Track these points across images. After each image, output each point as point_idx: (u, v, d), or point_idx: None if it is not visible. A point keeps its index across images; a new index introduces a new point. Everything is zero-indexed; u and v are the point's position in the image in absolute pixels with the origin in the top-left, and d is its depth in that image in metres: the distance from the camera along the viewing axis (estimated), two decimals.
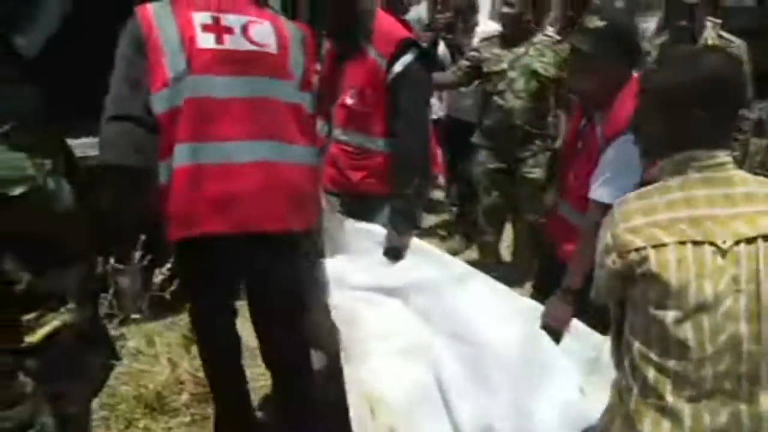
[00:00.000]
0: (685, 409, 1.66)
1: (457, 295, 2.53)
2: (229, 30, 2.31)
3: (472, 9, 4.89)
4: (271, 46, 2.35)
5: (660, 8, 4.79)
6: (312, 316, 2.54)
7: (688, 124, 1.66)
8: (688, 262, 1.63)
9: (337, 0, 2.76)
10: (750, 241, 1.63)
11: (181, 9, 2.31)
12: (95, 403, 2.65)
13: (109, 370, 1.98)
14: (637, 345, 1.71)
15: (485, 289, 2.55)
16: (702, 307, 1.63)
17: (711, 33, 3.77)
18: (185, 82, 2.25)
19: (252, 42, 2.32)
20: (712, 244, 1.63)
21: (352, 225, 2.74)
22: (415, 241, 2.69)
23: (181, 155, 2.25)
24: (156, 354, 3.18)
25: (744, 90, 1.73)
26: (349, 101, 2.81)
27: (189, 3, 2.33)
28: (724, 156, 1.68)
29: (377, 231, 2.69)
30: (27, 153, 1.52)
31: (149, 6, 2.33)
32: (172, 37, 2.26)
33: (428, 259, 2.65)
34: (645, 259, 1.65)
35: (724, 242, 1.63)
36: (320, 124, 2.90)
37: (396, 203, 2.77)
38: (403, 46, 2.71)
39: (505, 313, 2.47)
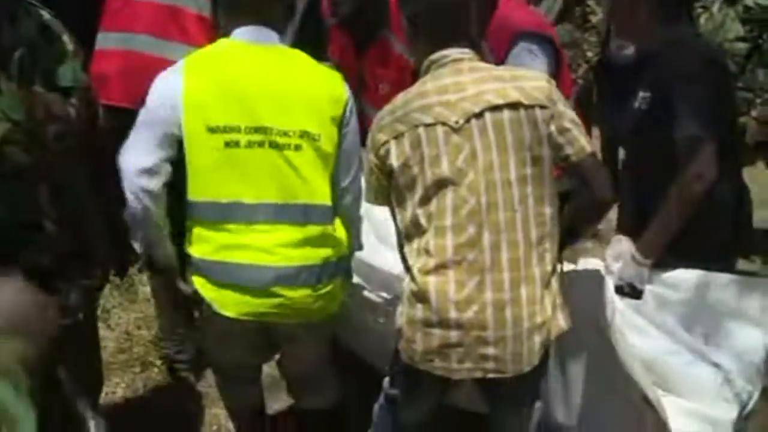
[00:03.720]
0: (431, 285, 1.72)
1: None
2: None
3: None
4: None
5: None
6: None
7: (417, 36, 1.85)
8: (421, 144, 1.74)
9: None
10: (478, 116, 1.73)
11: None
12: (113, 347, 2.80)
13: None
14: (401, 238, 1.83)
15: None
16: (443, 183, 1.73)
17: None
18: None
19: None
20: (444, 124, 1.73)
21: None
22: None
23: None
24: None
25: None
26: (382, 92, 2.65)
27: None
28: (456, 53, 1.79)
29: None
30: None
31: None
32: None
33: None
34: (389, 151, 1.78)
35: (457, 122, 1.73)
36: None
37: None
38: None
39: None
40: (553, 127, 1.74)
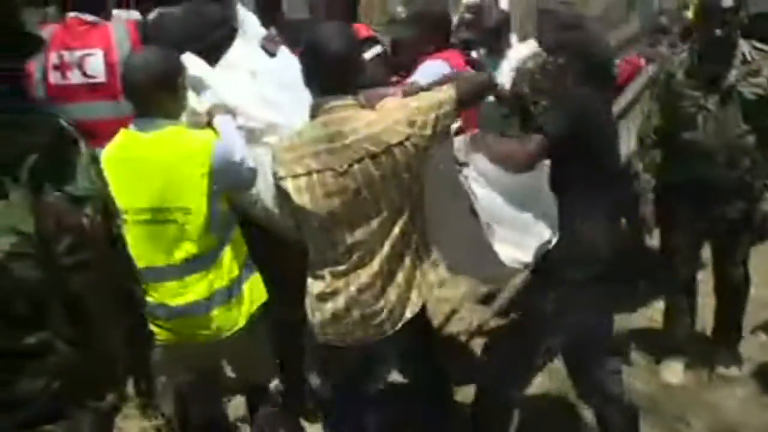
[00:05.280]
0: (326, 282, 2.31)
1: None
2: (69, 67, 3.04)
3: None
4: (100, 76, 3.04)
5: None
6: None
7: (308, 78, 2.27)
8: (315, 186, 2.22)
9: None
10: (359, 161, 2.18)
11: (49, 47, 2.99)
12: None
13: None
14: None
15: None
16: (334, 215, 2.22)
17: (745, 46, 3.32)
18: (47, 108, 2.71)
19: (85, 75, 3.04)
20: (331, 169, 2.20)
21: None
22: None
23: None
24: None
25: (339, 57, 2.23)
26: None
27: (54, 42, 3.03)
28: (338, 102, 2.22)
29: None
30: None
31: None
32: (38, 69, 3.03)
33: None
34: (287, 187, 2.26)
35: (341, 167, 2.19)
36: None
37: None
38: None
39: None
40: (427, 131, 2.21)
